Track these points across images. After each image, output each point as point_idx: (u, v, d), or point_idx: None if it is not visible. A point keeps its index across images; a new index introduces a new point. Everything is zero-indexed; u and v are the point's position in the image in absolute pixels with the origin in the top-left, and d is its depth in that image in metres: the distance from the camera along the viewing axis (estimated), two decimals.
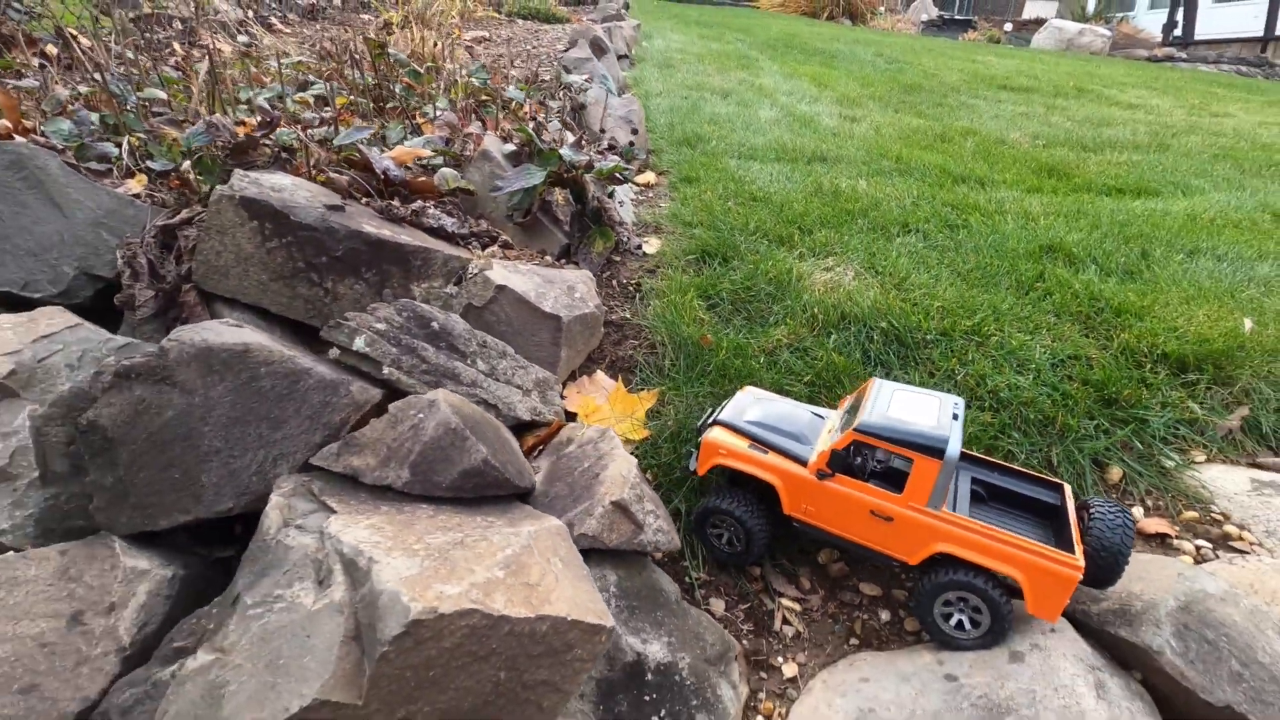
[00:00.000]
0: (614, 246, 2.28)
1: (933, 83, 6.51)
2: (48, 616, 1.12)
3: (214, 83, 2.41)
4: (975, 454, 1.47)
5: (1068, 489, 1.35)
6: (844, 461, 1.30)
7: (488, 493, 1.29)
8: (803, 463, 1.35)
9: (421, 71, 3.18)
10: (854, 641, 1.37)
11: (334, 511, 1.14)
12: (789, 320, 1.96)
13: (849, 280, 2.15)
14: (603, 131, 3.24)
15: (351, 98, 2.94)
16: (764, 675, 1.31)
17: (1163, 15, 15.61)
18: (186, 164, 1.90)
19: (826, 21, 13.24)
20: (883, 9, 15.02)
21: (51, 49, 2.98)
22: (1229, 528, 1.63)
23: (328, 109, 2.72)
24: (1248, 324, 2.09)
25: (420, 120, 2.80)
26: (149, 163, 2.01)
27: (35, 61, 2.79)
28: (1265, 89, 8.86)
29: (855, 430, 1.25)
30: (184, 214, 1.80)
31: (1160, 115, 5.92)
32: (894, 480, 1.34)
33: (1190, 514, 1.66)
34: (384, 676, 0.85)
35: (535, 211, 2.23)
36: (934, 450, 1.19)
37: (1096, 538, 1.20)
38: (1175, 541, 1.61)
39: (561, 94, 3.70)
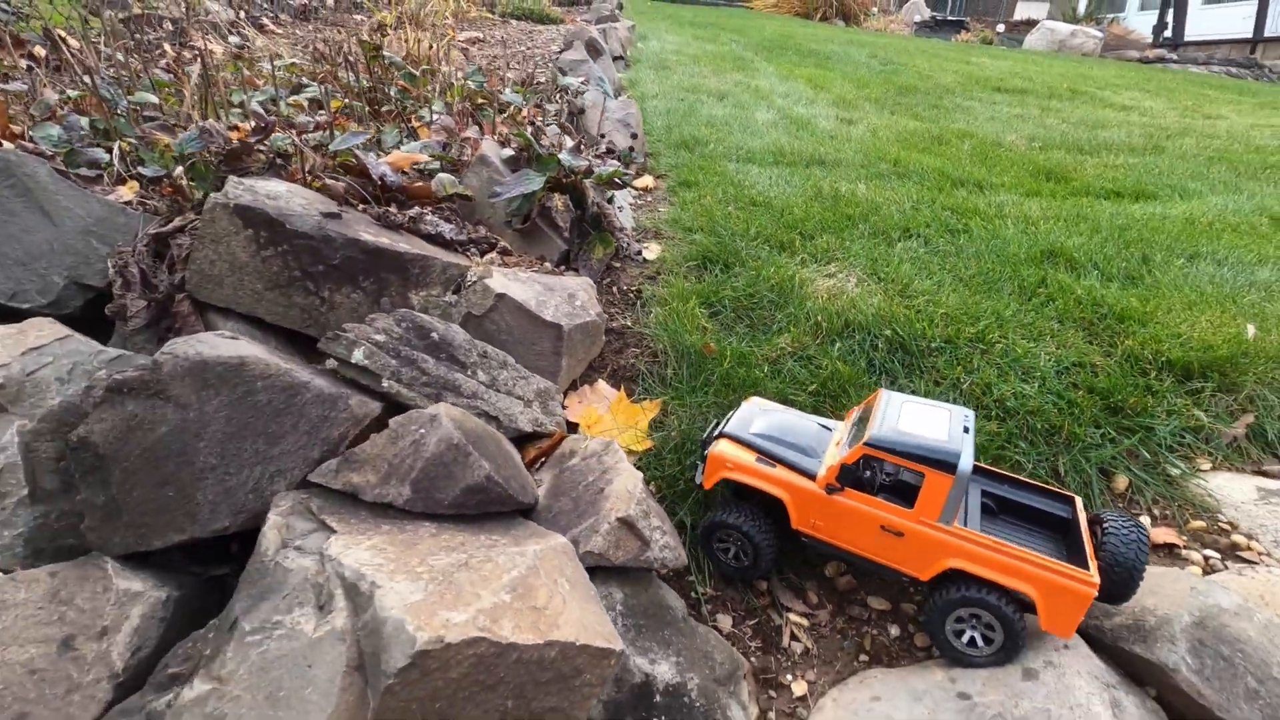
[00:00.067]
0: (614, 252, 2.26)
1: (928, 84, 6.51)
2: (37, 642, 1.08)
3: (206, 86, 2.37)
4: (985, 466, 1.45)
5: (1079, 502, 1.34)
6: (853, 475, 1.28)
7: (491, 509, 1.26)
8: (811, 476, 1.33)
9: (417, 74, 3.15)
10: (863, 658, 1.35)
11: (334, 531, 1.11)
12: (792, 328, 1.94)
13: (852, 287, 2.13)
14: (602, 136, 3.21)
15: (346, 101, 2.91)
16: (773, 694, 1.29)
17: (1153, 16, 15.70)
18: (179, 170, 1.86)
19: (820, 22, 13.25)
20: (875, 10, 15.05)
21: (40, 51, 2.93)
22: (1237, 537, 1.62)
23: (322, 113, 2.68)
24: (1251, 330, 2.08)
25: (416, 124, 2.77)
26: (140, 169, 1.97)
27: (23, 64, 2.74)
28: (1256, 90, 8.92)
29: (865, 444, 1.23)
30: (177, 222, 1.76)
31: (1154, 117, 5.94)
32: (903, 493, 1.32)
33: (1197, 523, 1.65)
34: (389, 710, 0.82)
35: (534, 217, 2.20)
36: (946, 465, 1.17)
37: (1111, 553, 1.18)
38: (1183, 551, 1.59)
39: (558, 97, 3.67)
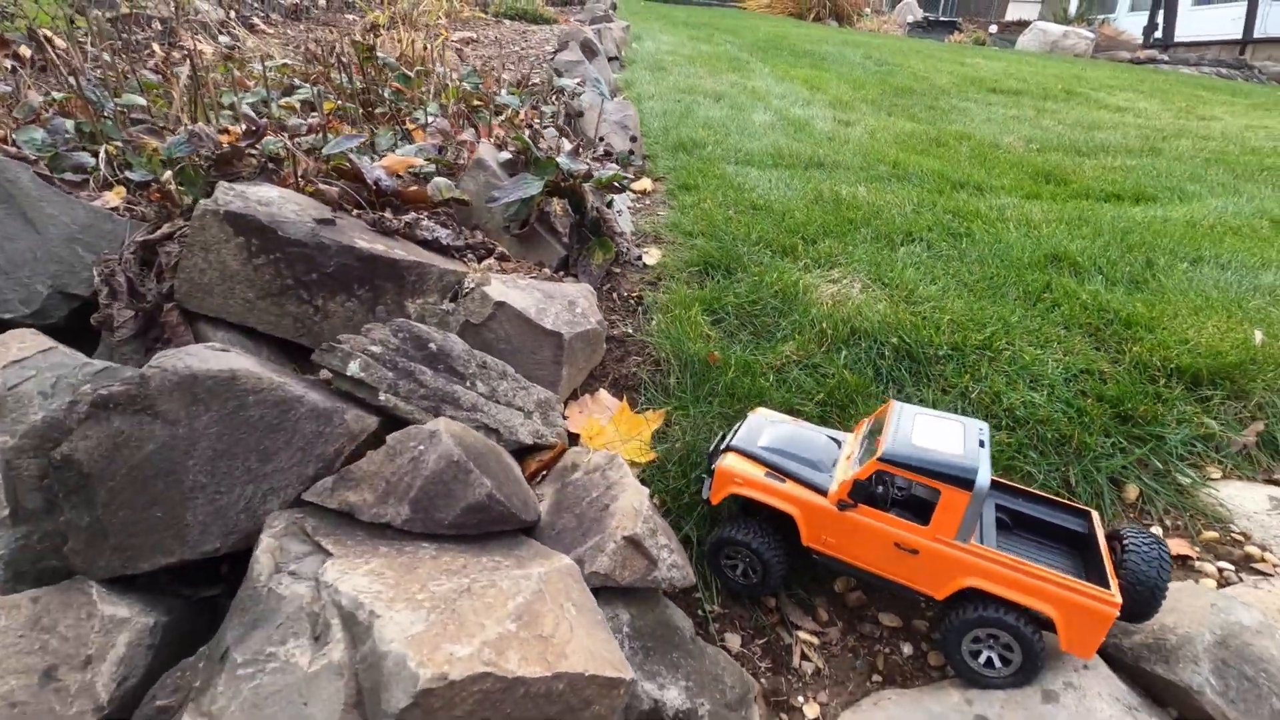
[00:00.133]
0: (614, 258, 2.22)
1: (923, 85, 6.50)
2: (18, 672, 1.03)
3: (196, 88, 2.31)
4: (999, 479, 1.42)
5: (1096, 516, 1.31)
6: (866, 491, 1.24)
7: (493, 529, 1.22)
8: (822, 491, 1.29)
9: (411, 75, 3.10)
10: (876, 678, 1.32)
11: (330, 554, 1.07)
12: (797, 335, 1.90)
13: (856, 293, 2.10)
14: (601, 139, 3.17)
15: (339, 103, 2.85)
16: (784, 717, 1.25)
17: (1143, 18, 15.76)
18: (168, 175, 1.81)
19: (813, 23, 13.25)
20: (868, 10, 15.07)
21: (25, 51, 2.86)
22: (1250, 548, 1.59)
23: (314, 115, 2.63)
24: (1258, 336, 2.06)
25: (411, 127, 2.72)
26: (128, 174, 1.92)
27: (7, 64, 2.67)
28: (1248, 91, 8.96)
29: (880, 459, 1.19)
30: (165, 228, 1.71)
31: (1149, 119, 5.95)
32: (916, 508, 1.29)
33: (1210, 534, 1.63)
34: None
35: (533, 222, 2.16)
36: (963, 481, 1.13)
37: (1132, 571, 1.15)
38: (1197, 563, 1.57)
39: (554, 98, 3.62)
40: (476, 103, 3.09)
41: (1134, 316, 2.11)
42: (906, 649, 1.36)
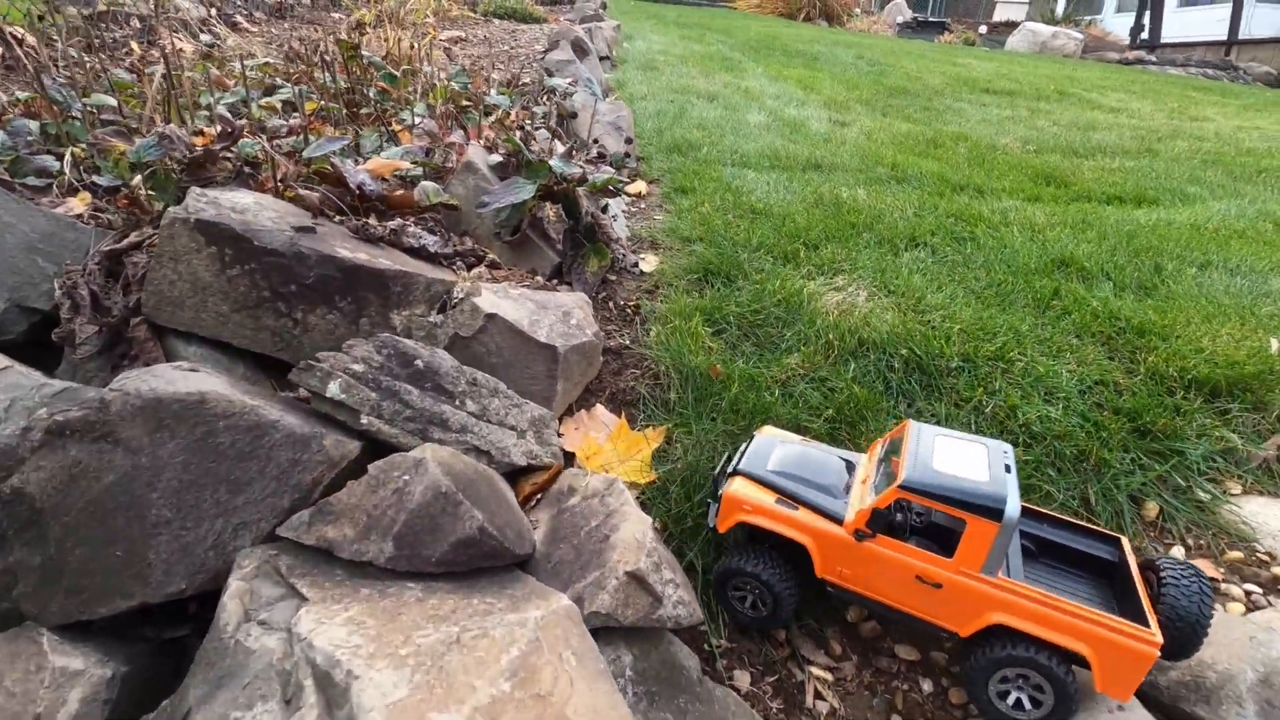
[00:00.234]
0: (609, 265, 2.13)
1: (917, 86, 6.46)
2: None
3: (170, 87, 2.20)
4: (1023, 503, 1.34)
5: (1126, 543, 1.23)
6: (885, 520, 1.16)
7: (484, 564, 1.12)
8: (837, 520, 1.21)
9: (397, 75, 3.00)
10: (895, 718, 1.23)
11: (305, 599, 0.97)
12: (803, 347, 1.82)
13: (862, 301, 2.02)
14: (594, 141, 3.08)
15: (322, 103, 2.75)
16: None
17: (1129, 19, 15.83)
18: (137, 180, 1.71)
19: (804, 23, 13.20)
20: (858, 10, 15.05)
21: None
22: (1277, 569, 1.53)
23: (296, 116, 2.52)
24: (1275, 344, 2.00)
25: (397, 128, 2.62)
26: (95, 178, 1.81)
27: None
28: (1237, 92, 8.98)
29: (900, 487, 1.11)
30: (133, 237, 1.60)
31: (1143, 119, 5.92)
32: (938, 536, 1.21)
33: (1234, 554, 1.56)
34: None
35: (525, 228, 2.07)
36: (992, 511, 1.05)
37: (1171, 606, 1.07)
38: (1223, 586, 1.50)
39: (545, 98, 3.53)
40: (465, 103, 3.00)
41: (1146, 324, 2.05)
42: (926, 685, 1.28)
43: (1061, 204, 3.24)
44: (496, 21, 6.98)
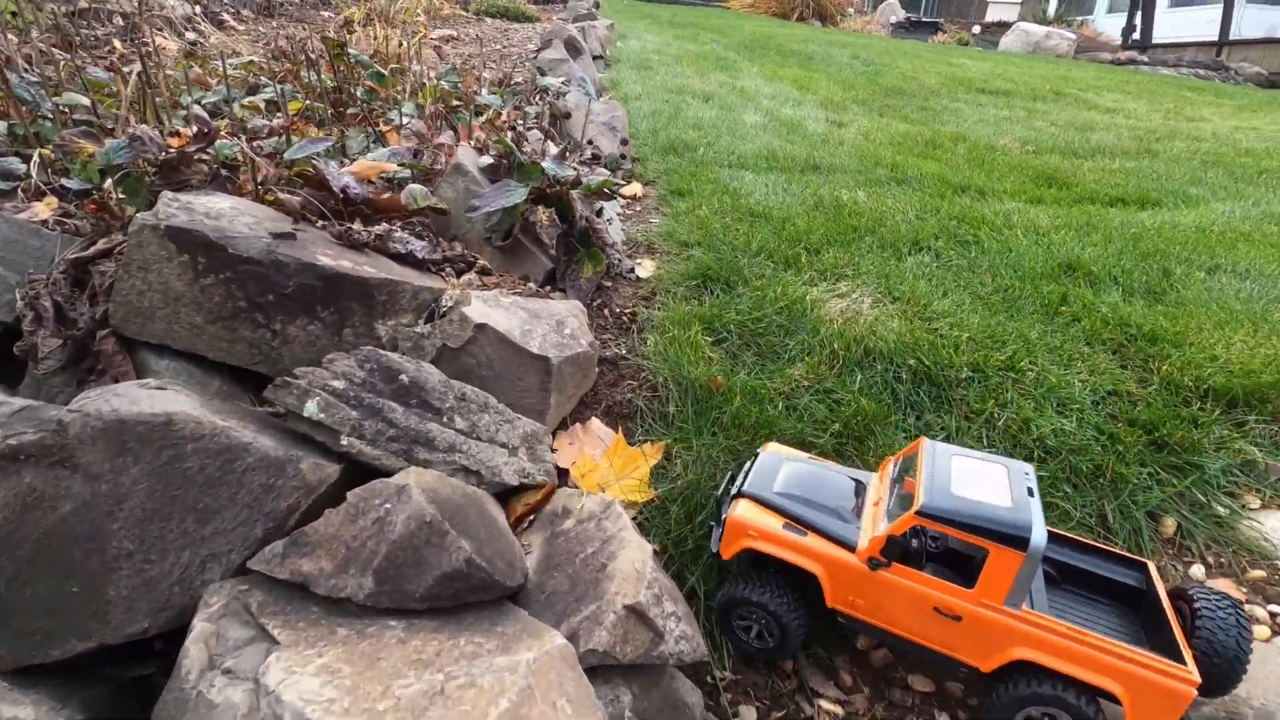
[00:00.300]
0: (605, 271, 2.05)
1: (912, 86, 6.40)
2: None
3: (145, 85, 2.11)
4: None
5: (1153, 569, 1.16)
6: (900, 548, 1.09)
7: (471, 599, 1.05)
8: (848, 546, 1.14)
9: (385, 73, 2.91)
10: None
11: (276, 642, 0.89)
12: (807, 357, 1.75)
13: (867, 308, 1.95)
14: (588, 141, 3.00)
15: (307, 102, 2.66)
16: None
17: (1120, 19, 15.85)
18: (108, 184, 1.62)
19: (797, 22, 13.15)
20: (851, 10, 15.02)
21: None
22: None
23: (279, 116, 2.43)
24: None
25: (384, 128, 2.54)
26: (65, 182, 1.72)
27: None
28: (1231, 93, 8.98)
29: (917, 513, 1.04)
30: (101, 244, 1.52)
31: (1139, 120, 5.89)
32: (954, 563, 1.14)
33: (1257, 573, 1.50)
34: None
35: (516, 233, 1.99)
36: (1016, 540, 0.98)
37: (1207, 640, 1.01)
38: (1246, 607, 1.44)
39: (538, 98, 3.45)
40: (455, 103, 2.91)
41: (1158, 331, 1.99)
42: (942, 719, 1.21)
43: (1064, 206, 3.18)
44: (489, 20, 6.89)
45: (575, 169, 2.16)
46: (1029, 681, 1.04)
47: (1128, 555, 1.20)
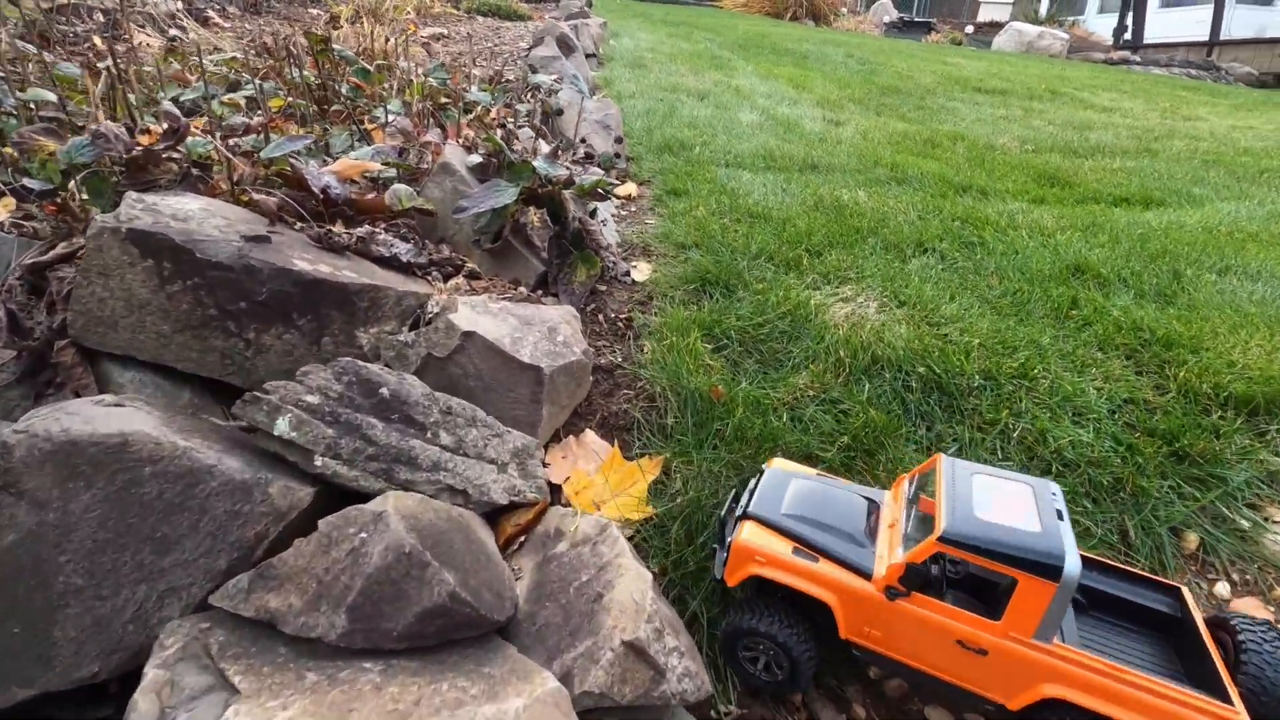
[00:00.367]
0: (599, 274, 1.96)
1: (908, 85, 6.35)
2: None
3: (115, 80, 2.01)
4: None
5: (1187, 595, 1.09)
6: (920, 575, 1.01)
7: (455, 636, 0.96)
8: (863, 573, 1.05)
9: (371, 70, 2.82)
10: None
11: (237, 691, 0.80)
12: (811, 365, 1.67)
13: (873, 313, 1.87)
14: (583, 141, 2.91)
15: (290, 100, 2.56)
16: None
17: (1112, 19, 15.88)
18: (71, 184, 1.52)
19: (791, 22, 13.10)
20: (844, 10, 14.98)
21: None
22: None
23: (260, 113, 2.34)
24: None
25: (370, 126, 2.45)
26: (27, 182, 1.62)
27: None
28: (1225, 92, 8.98)
29: (939, 540, 0.96)
30: (61, 249, 1.42)
31: (1136, 119, 5.85)
32: (977, 589, 1.06)
33: None
34: None
35: (506, 235, 1.90)
36: (1049, 570, 0.90)
37: (1255, 677, 0.93)
38: (1277, 628, 1.36)
39: (530, 96, 3.36)
40: (444, 100, 2.82)
41: (1173, 336, 1.92)
42: None
43: (1068, 206, 3.11)
44: (480, 18, 6.80)
45: (568, 168, 2.07)
46: None
47: (1158, 579, 1.12)
